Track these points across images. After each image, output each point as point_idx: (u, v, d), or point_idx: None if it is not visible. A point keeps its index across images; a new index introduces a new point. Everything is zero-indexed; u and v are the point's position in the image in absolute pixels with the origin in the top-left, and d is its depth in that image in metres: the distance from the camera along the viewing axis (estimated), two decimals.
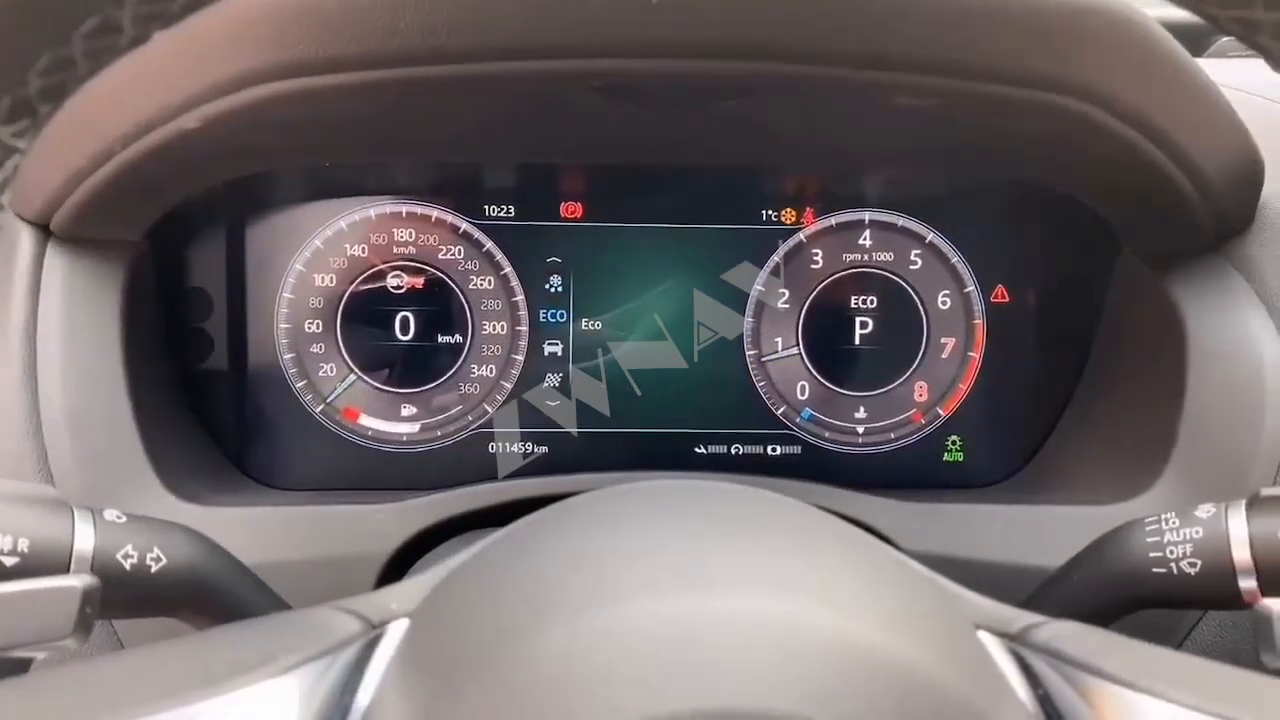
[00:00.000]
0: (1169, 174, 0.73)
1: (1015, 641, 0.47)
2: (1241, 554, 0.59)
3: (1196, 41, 1.28)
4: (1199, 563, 0.60)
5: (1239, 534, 0.59)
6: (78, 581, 0.52)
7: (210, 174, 0.79)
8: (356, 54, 0.63)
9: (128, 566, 0.58)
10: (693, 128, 0.76)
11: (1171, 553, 0.61)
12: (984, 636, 0.47)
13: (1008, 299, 0.98)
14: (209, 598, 0.62)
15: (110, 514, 0.59)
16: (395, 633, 0.45)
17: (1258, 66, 1.06)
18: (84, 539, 0.57)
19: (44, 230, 0.80)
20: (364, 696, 0.42)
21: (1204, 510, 0.62)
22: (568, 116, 0.74)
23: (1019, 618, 0.49)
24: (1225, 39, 1.30)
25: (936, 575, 0.52)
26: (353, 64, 0.63)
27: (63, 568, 0.56)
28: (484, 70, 0.63)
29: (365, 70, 0.63)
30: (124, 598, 0.58)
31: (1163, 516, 0.63)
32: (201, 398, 0.93)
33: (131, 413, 0.79)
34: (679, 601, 0.39)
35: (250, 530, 0.80)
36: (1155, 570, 0.62)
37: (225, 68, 0.64)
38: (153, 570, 0.59)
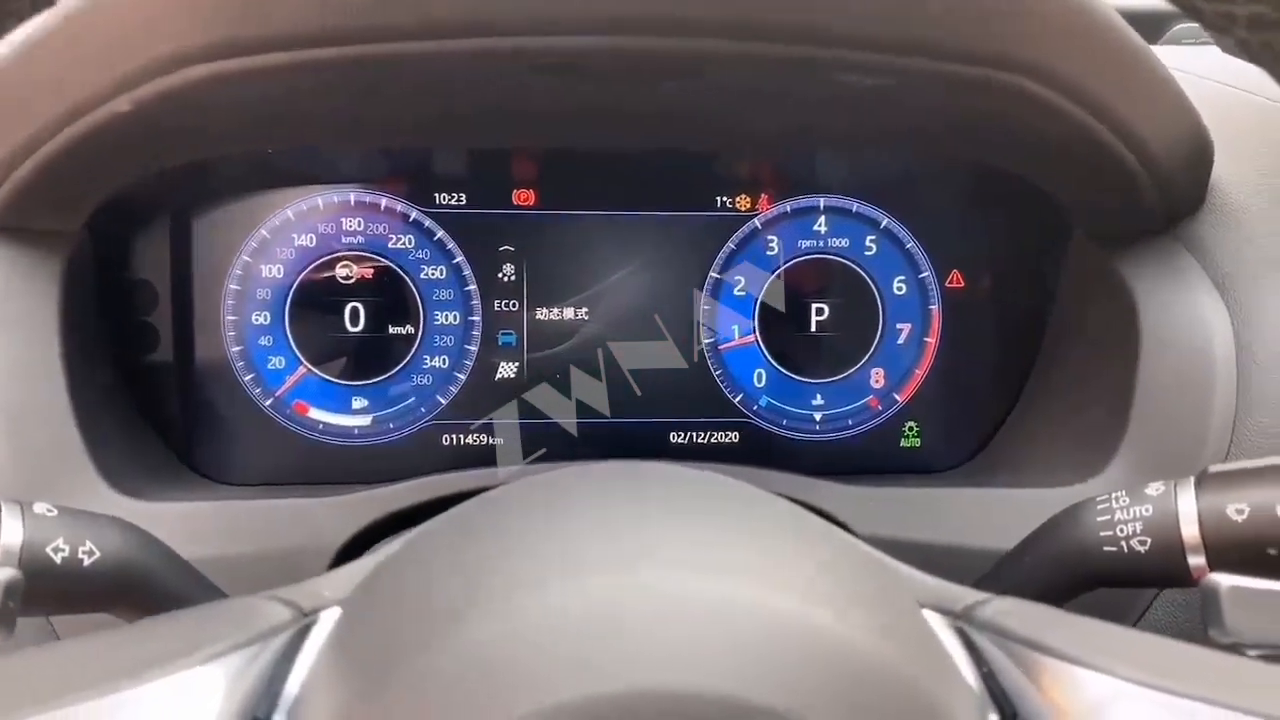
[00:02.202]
0: (1117, 152, 0.73)
1: (960, 619, 0.47)
2: (1190, 531, 0.59)
3: (1152, 30, 1.29)
4: (1149, 540, 0.60)
5: (1188, 511, 0.59)
6: None
7: (147, 160, 0.77)
8: (291, 32, 0.61)
9: (58, 560, 0.56)
10: (643, 109, 0.75)
11: (1122, 531, 0.61)
12: (928, 615, 0.47)
13: (963, 284, 0.98)
14: (145, 592, 0.60)
15: (40, 507, 0.58)
16: (327, 621, 0.44)
17: (1210, 53, 1.07)
18: (10, 532, 0.55)
19: None
20: (293, 685, 0.41)
21: (1154, 488, 0.62)
22: (513, 98, 0.72)
23: (964, 596, 0.48)
24: (1180, 27, 1.31)
25: (881, 554, 0.51)
26: (288, 43, 0.61)
27: None
28: (422, 49, 0.61)
29: (300, 49, 0.61)
30: (54, 592, 0.57)
31: (1113, 495, 0.63)
32: (147, 392, 0.91)
33: (70, 408, 0.77)
34: (613, 582, 0.38)
35: (195, 525, 0.78)
36: (1106, 549, 0.62)
37: (156, 48, 0.63)
38: (85, 564, 0.57)
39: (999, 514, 0.81)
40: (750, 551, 0.42)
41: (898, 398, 0.98)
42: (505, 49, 0.62)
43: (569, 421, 0.96)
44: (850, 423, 0.99)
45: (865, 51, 0.64)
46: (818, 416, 0.98)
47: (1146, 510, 0.61)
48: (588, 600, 0.37)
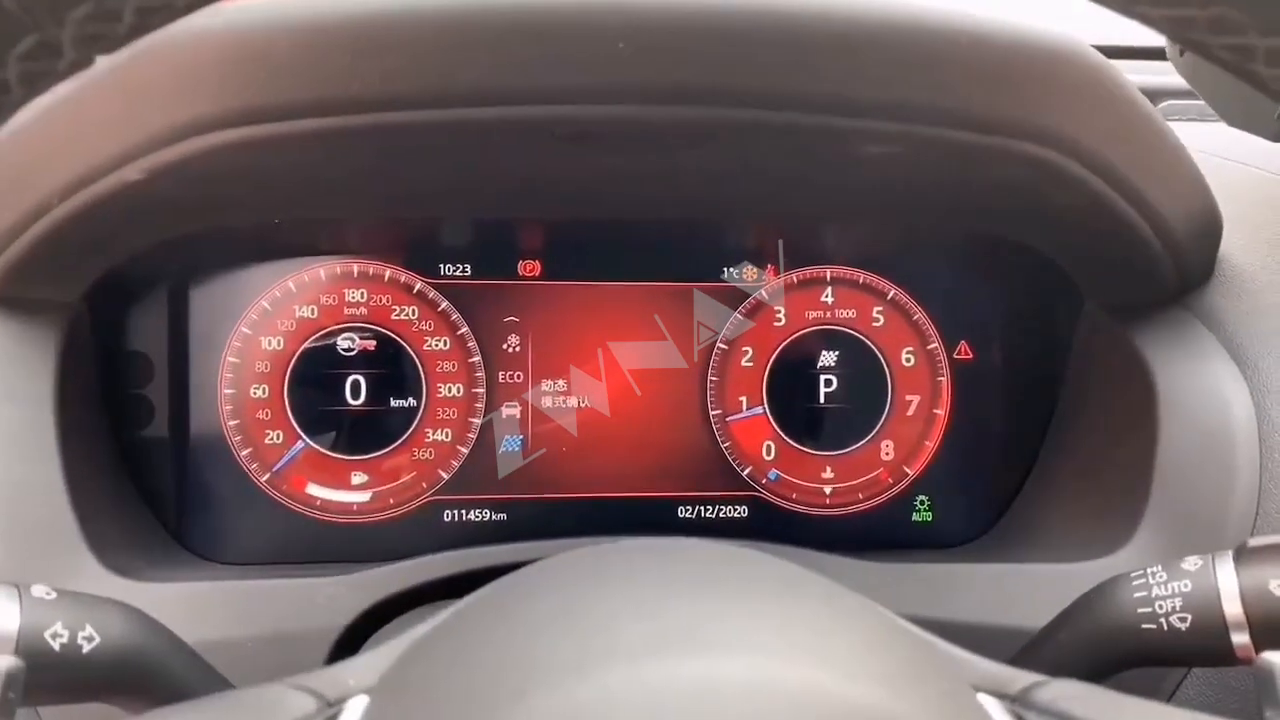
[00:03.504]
0: (1132, 224, 0.73)
1: (1016, 703, 0.45)
2: (1233, 608, 0.57)
3: None
4: (1189, 617, 0.58)
5: (1229, 587, 0.58)
6: None
7: (153, 230, 0.75)
8: (310, 100, 0.60)
9: (57, 647, 0.53)
10: (656, 179, 0.75)
11: (1160, 608, 0.59)
12: (984, 699, 0.45)
13: (971, 355, 0.97)
14: (147, 680, 0.57)
15: (38, 590, 0.55)
16: (354, 711, 0.42)
17: (1203, 129, 1.08)
18: (8, 617, 0.52)
19: None
20: None
21: (1190, 563, 0.60)
22: (527, 168, 0.72)
23: (1018, 678, 0.46)
24: (1170, 102, 1.33)
25: (931, 635, 0.49)
26: (306, 111, 0.61)
27: None
28: (443, 117, 0.61)
29: (319, 118, 0.61)
30: (53, 681, 0.54)
31: (1148, 570, 0.61)
32: (141, 467, 0.88)
33: (64, 483, 0.74)
34: (667, 667, 0.36)
35: (191, 607, 0.75)
36: (1145, 626, 0.60)
37: (171, 115, 0.62)
38: (85, 650, 0.54)
39: (1019, 590, 0.80)
40: (804, 634, 0.40)
41: (908, 470, 0.97)
42: (529, 118, 0.61)
43: (576, 497, 0.93)
44: (861, 496, 0.97)
45: (890, 121, 0.64)
46: (828, 490, 0.97)
47: (1185, 586, 0.59)
48: (642, 685, 0.35)
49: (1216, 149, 0.97)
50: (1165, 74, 1.24)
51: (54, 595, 0.55)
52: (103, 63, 0.58)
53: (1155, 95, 1.29)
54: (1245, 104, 0.87)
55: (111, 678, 0.56)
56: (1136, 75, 1.20)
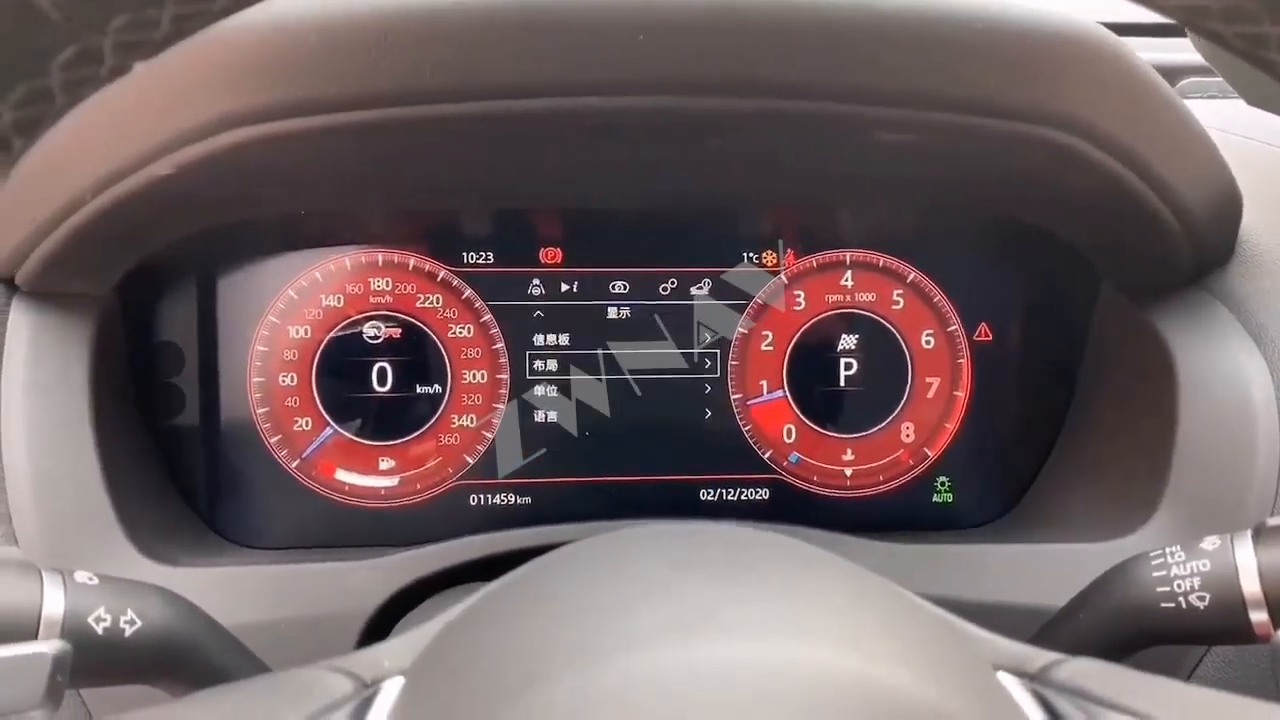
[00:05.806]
0: (1152, 206, 0.74)
1: (1036, 681, 0.45)
2: (1251, 586, 0.58)
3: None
4: (1208, 596, 0.59)
5: (1247, 565, 0.58)
6: (47, 648, 0.49)
7: (183, 223, 0.77)
8: (338, 95, 0.61)
9: (100, 630, 0.55)
10: (678, 168, 0.76)
11: (1179, 586, 0.60)
12: (1003, 677, 0.46)
13: (991, 337, 0.98)
14: (187, 662, 0.59)
15: (81, 575, 0.57)
16: (390, 691, 0.43)
17: (1223, 107, 1.08)
18: (53, 602, 0.54)
19: (8, 284, 0.77)
20: None
21: (1209, 542, 0.61)
22: (551, 159, 0.73)
23: (1037, 656, 0.47)
24: (1188, 81, 1.32)
25: (950, 615, 0.50)
26: (334, 105, 0.62)
27: (30, 633, 0.53)
28: (469, 110, 0.62)
29: (347, 112, 0.62)
30: (97, 664, 0.55)
31: (1167, 550, 0.62)
32: (173, 455, 0.90)
33: (100, 472, 0.76)
34: (694, 649, 0.37)
35: (225, 591, 0.77)
36: (1163, 605, 0.60)
37: (200, 111, 0.63)
38: (127, 634, 0.56)
39: (1038, 570, 0.80)
40: (824, 616, 0.41)
41: (929, 452, 0.98)
42: (552, 110, 0.62)
43: (600, 480, 0.95)
44: (882, 478, 0.98)
45: (908, 109, 0.64)
46: (849, 472, 0.97)
47: (1204, 565, 0.60)
48: (670, 667, 0.36)
49: (1237, 127, 0.97)
50: (1186, 51, 1.24)
51: (96, 581, 0.57)
52: None
53: (1175, 72, 1.28)
54: (1265, 82, 0.86)
55: (152, 660, 0.57)
56: (1157, 53, 1.21)
